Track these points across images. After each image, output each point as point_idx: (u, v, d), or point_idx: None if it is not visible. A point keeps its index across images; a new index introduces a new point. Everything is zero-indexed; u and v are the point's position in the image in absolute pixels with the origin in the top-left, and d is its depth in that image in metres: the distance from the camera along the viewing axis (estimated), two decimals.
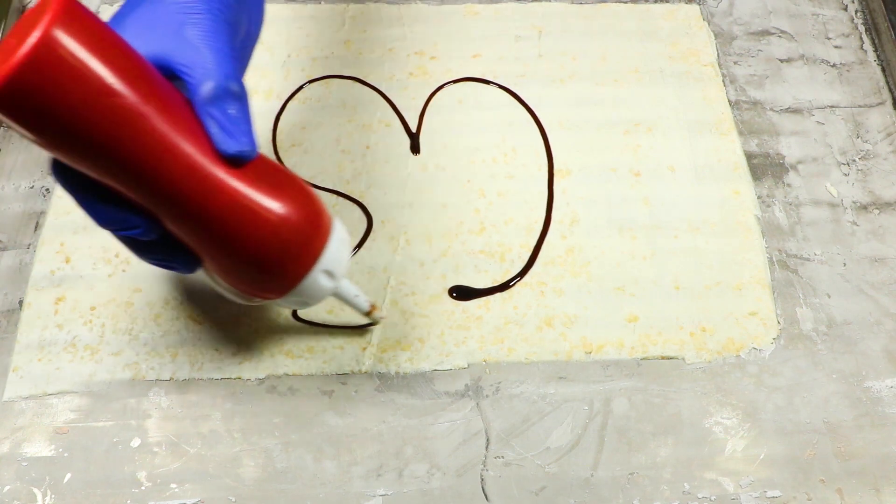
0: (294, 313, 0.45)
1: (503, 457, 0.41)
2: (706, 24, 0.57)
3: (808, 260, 0.47)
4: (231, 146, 0.30)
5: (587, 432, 0.42)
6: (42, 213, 0.48)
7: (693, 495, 0.40)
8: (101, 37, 0.27)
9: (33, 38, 0.24)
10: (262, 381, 0.43)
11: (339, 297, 0.39)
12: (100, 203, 0.30)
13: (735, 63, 0.55)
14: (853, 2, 0.59)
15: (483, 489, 0.40)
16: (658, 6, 0.58)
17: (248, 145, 0.31)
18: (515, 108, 0.53)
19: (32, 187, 0.49)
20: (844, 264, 0.47)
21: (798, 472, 0.41)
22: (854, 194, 0.50)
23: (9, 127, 0.27)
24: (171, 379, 0.43)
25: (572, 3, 0.58)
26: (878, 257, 0.48)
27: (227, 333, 0.44)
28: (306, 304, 0.37)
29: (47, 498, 0.39)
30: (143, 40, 0.29)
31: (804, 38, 0.57)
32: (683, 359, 0.44)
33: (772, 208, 0.49)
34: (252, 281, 0.34)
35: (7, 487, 0.40)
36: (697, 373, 0.43)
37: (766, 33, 0.57)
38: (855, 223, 0.49)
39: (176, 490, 0.40)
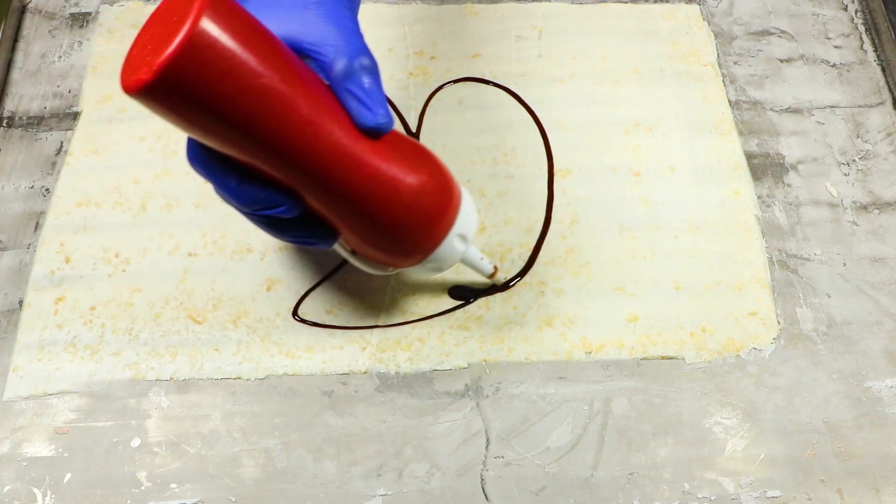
0: (294, 313, 0.45)
1: (503, 457, 0.41)
2: (706, 24, 0.57)
3: (808, 260, 0.47)
4: (370, 119, 0.31)
5: (587, 432, 0.42)
6: (42, 213, 0.48)
7: (693, 495, 0.40)
8: (243, 20, 0.27)
9: (185, 27, 0.24)
10: (262, 381, 0.43)
11: (467, 261, 0.40)
12: (241, 185, 0.31)
13: (735, 63, 0.55)
14: (853, 2, 0.59)
15: (483, 489, 0.40)
16: (658, 6, 0.58)
17: (385, 117, 0.31)
18: (515, 108, 0.53)
19: (32, 187, 0.49)
20: (844, 264, 0.47)
21: (798, 472, 0.41)
22: (854, 194, 0.50)
23: (158, 114, 0.27)
24: (171, 379, 0.43)
25: (572, 3, 0.58)
26: (878, 257, 0.48)
27: (227, 333, 0.44)
28: (439, 270, 0.38)
29: (47, 498, 0.39)
30: (270, 22, 0.29)
31: (804, 38, 0.57)
32: (683, 359, 0.44)
33: (772, 208, 0.49)
34: (393, 249, 0.35)
35: (7, 487, 0.40)
36: (697, 373, 0.43)
37: (766, 33, 0.57)
38: (855, 223, 0.49)
39: (176, 490, 0.40)
